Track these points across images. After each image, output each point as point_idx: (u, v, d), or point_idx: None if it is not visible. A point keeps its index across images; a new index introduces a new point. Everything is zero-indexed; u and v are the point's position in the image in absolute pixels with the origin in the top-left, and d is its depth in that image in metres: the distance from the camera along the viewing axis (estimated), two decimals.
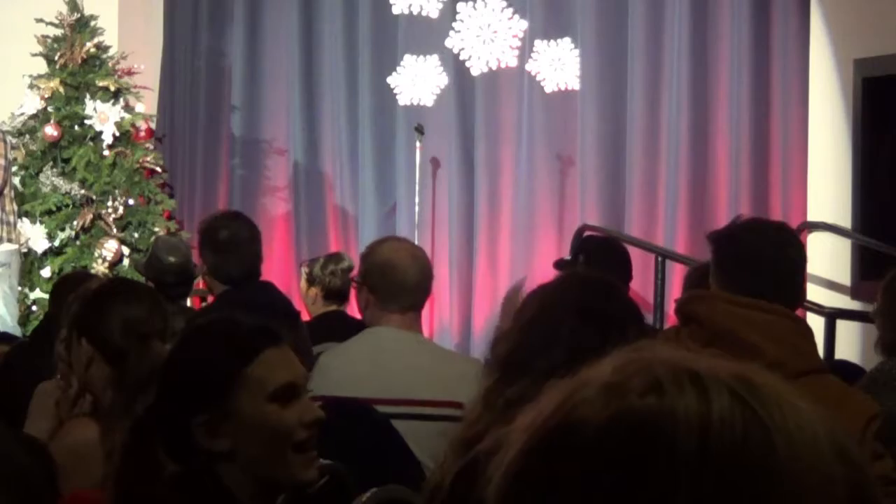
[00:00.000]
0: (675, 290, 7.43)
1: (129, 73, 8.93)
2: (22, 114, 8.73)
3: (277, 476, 2.48)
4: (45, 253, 8.59)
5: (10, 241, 7.99)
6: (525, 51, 8.83)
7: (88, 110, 8.68)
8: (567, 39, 8.82)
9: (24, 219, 8.54)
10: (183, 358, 2.62)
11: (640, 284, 6.51)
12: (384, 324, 4.26)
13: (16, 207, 8.14)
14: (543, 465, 0.98)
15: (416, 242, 7.29)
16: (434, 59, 8.96)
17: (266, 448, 2.47)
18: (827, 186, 8.29)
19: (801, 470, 0.96)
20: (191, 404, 2.50)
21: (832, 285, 8.07)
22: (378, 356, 4.16)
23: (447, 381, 4.08)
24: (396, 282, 4.22)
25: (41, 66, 8.78)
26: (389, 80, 8.97)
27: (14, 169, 8.70)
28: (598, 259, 6.13)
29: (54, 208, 8.58)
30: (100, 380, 3.42)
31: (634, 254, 6.67)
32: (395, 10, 8.88)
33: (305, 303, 6.38)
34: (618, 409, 0.98)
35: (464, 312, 9.07)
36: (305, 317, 6.35)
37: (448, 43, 8.83)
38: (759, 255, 3.29)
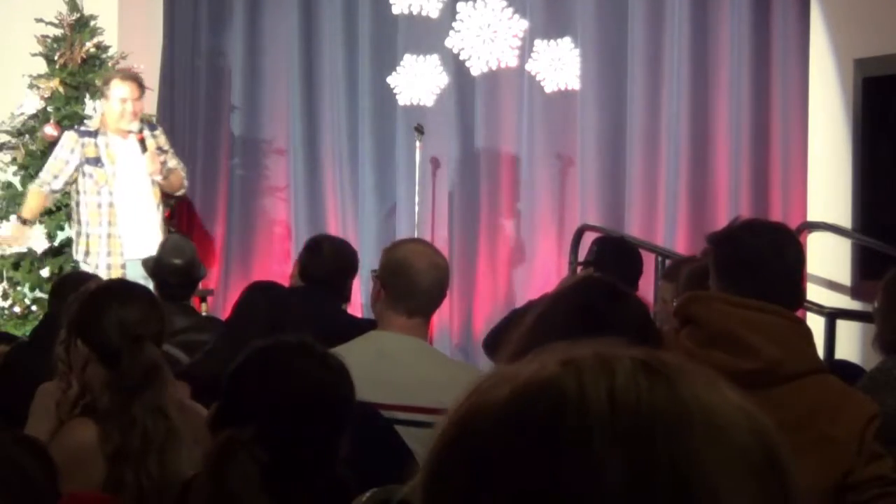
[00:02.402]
0: None
1: None
2: (22, 114, 8.73)
3: None
4: (45, 253, 8.59)
5: None
6: (525, 51, 8.83)
7: (88, 110, 8.67)
8: (567, 39, 8.82)
9: None
10: None
11: (640, 284, 6.50)
12: (389, 323, 4.24)
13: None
14: (456, 461, 0.97)
15: None
16: (434, 59, 8.96)
17: None
18: (827, 186, 8.29)
19: (711, 417, 0.95)
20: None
21: (832, 285, 8.07)
22: (377, 360, 4.14)
23: (447, 388, 4.05)
24: (407, 285, 4.19)
25: (41, 66, 8.77)
26: (389, 80, 8.97)
27: (14, 169, 8.71)
28: (604, 259, 6.15)
29: (54, 208, 8.57)
30: (97, 381, 3.42)
31: None
32: (395, 10, 8.88)
33: None
34: (521, 382, 0.97)
35: (464, 312, 9.07)
36: None
37: (448, 43, 8.83)
38: (757, 256, 3.29)
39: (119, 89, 8.02)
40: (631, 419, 0.93)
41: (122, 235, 7.96)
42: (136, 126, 8.04)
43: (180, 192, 8.33)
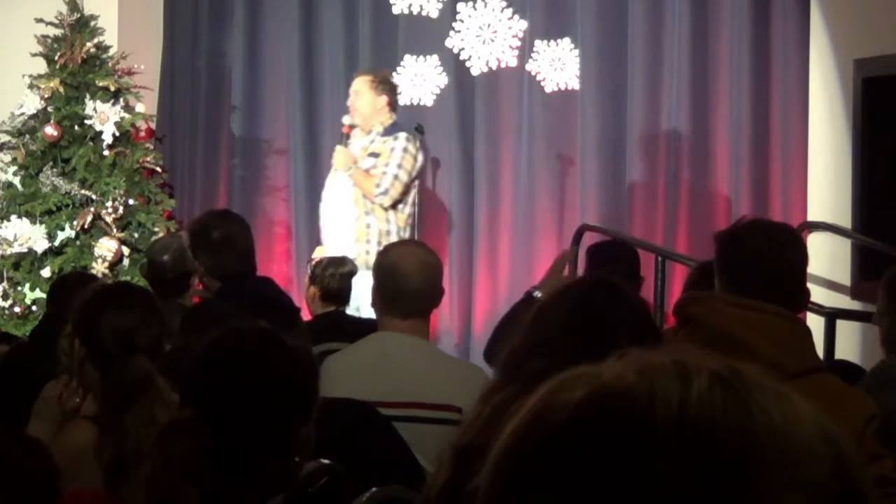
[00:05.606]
0: (675, 290, 7.44)
1: (129, 73, 8.92)
2: (22, 114, 8.73)
3: None
4: (45, 253, 8.59)
5: None
6: (525, 51, 8.83)
7: (88, 110, 8.67)
8: (567, 39, 8.82)
9: (25, 219, 8.55)
10: None
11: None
12: (387, 326, 4.27)
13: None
14: (523, 456, 0.96)
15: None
16: (434, 59, 8.96)
17: None
18: (827, 186, 8.29)
19: (782, 446, 0.94)
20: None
21: (832, 285, 8.07)
22: (381, 360, 4.16)
23: (449, 385, 4.08)
24: (397, 288, 4.22)
25: (41, 66, 8.77)
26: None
27: (14, 169, 8.71)
28: (600, 262, 6.14)
29: (54, 208, 8.57)
30: (93, 382, 3.43)
31: None
32: (395, 10, 8.88)
33: (307, 301, 6.39)
34: (593, 387, 0.96)
35: (464, 312, 9.07)
36: (306, 316, 6.37)
37: (448, 43, 8.84)
38: (759, 256, 3.29)
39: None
40: (698, 437, 0.92)
41: (322, 229, 8.11)
42: (346, 119, 8.07)
43: (378, 202, 8.05)
